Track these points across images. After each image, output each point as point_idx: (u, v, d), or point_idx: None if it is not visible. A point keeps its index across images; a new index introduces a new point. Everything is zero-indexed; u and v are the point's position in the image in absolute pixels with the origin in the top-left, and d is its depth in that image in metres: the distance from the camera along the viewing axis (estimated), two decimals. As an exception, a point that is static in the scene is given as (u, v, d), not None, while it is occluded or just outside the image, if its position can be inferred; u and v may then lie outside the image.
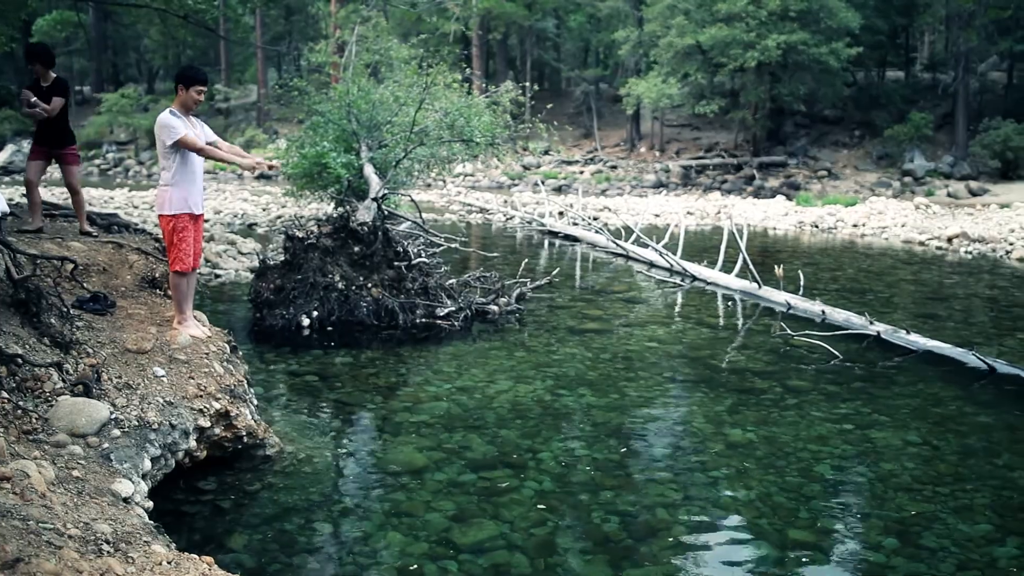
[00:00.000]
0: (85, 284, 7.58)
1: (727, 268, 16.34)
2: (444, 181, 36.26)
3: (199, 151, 7.22)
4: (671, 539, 5.85)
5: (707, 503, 6.47)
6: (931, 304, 14.79)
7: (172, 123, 7.11)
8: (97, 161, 50.70)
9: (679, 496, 6.56)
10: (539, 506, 6.31)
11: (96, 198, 28.34)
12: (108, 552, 4.06)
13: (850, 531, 6.08)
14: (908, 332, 11.52)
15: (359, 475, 6.88)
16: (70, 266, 7.63)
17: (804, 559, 5.63)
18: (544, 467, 7.06)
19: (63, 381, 5.63)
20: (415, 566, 5.40)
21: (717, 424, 8.22)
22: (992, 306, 14.64)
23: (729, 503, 6.48)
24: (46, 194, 25.49)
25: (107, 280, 8.01)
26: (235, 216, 25.31)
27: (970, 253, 21.43)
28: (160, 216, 7.30)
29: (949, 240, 22.84)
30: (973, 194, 36.59)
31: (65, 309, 6.48)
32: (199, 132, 7.37)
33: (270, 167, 7.71)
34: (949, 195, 36.82)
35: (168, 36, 55.68)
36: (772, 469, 7.12)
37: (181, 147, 7.13)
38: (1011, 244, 21.80)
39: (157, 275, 8.36)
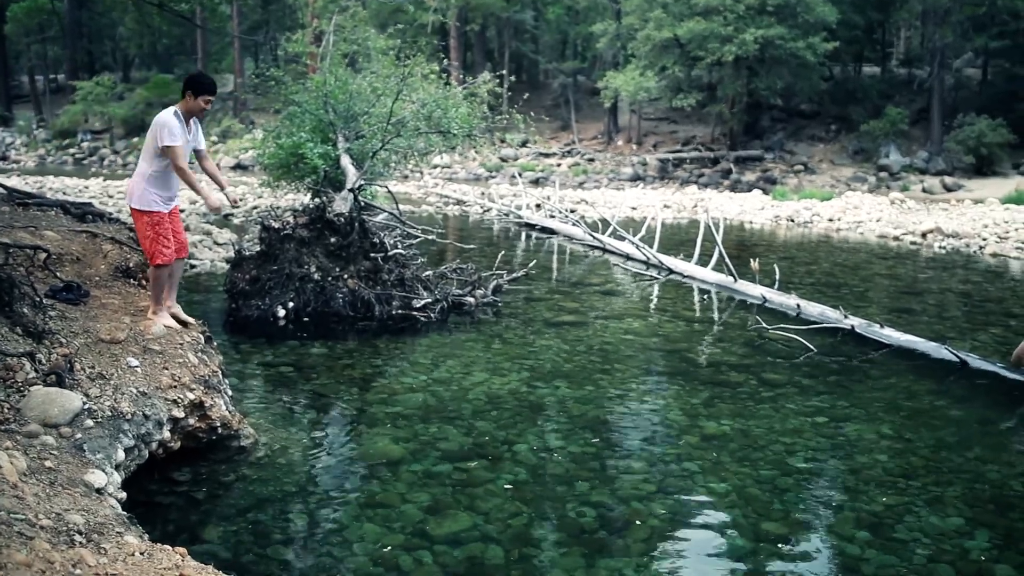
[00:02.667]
0: (58, 273, 7.53)
1: (703, 261, 16.39)
2: (421, 172, 36.23)
3: (178, 170, 7.10)
4: (646, 531, 5.87)
5: (682, 495, 6.49)
6: (905, 298, 14.89)
7: (172, 126, 6.98)
8: (72, 150, 50.26)
9: (654, 488, 6.58)
10: (514, 498, 6.32)
11: (71, 187, 28.14)
12: (80, 543, 4.03)
13: (823, 523, 6.12)
14: (882, 326, 11.59)
15: (334, 466, 6.87)
16: (43, 255, 7.58)
17: (778, 551, 5.66)
18: (519, 459, 7.06)
19: (35, 371, 5.58)
20: (390, 557, 5.39)
21: (692, 416, 8.25)
22: (965, 301, 14.75)
23: (703, 495, 6.51)
24: (19, 183, 25.31)
25: (81, 269, 7.96)
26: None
27: (944, 248, 21.58)
28: (133, 209, 7.20)
29: (923, 235, 22.99)
30: (948, 189, 36.84)
31: (38, 298, 6.44)
32: (190, 139, 7.28)
33: (234, 204, 7.65)
34: (924, 190, 37.06)
35: (143, 24, 55.29)
36: (746, 462, 7.16)
37: (167, 155, 7.03)
38: (984, 239, 21.97)
39: (131, 265, 8.31)
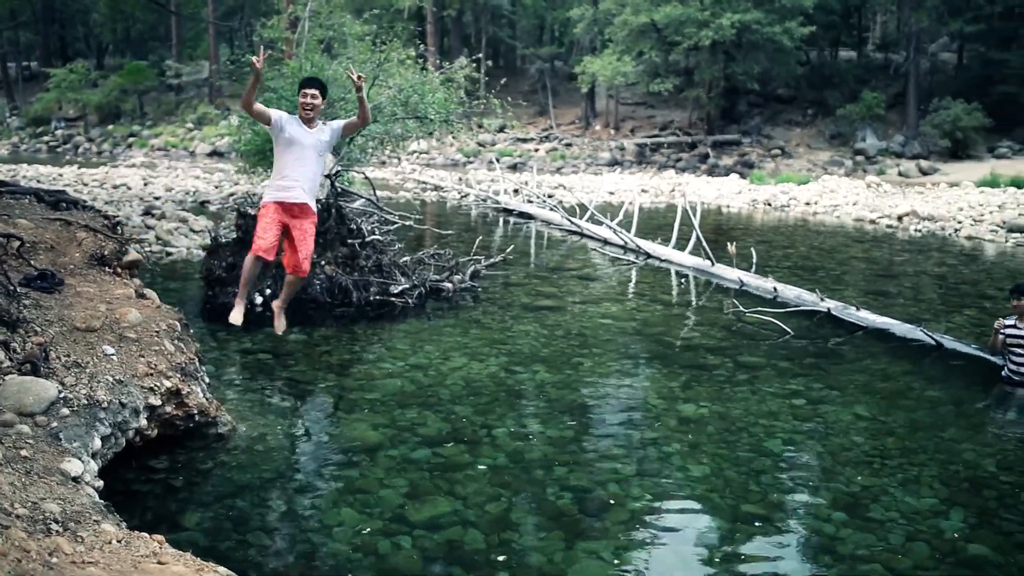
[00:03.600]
0: (32, 262, 7.46)
1: (680, 246, 16.43)
2: (398, 159, 36.08)
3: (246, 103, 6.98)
4: (624, 514, 5.89)
5: (660, 478, 6.52)
6: (881, 281, 14.98)
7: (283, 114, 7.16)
8: (46, 138, 49.86)
9: (632, 471, 6.60)
10: (493, 483, 6.32)
11: (45, 175, 27.91)
12: (57, 531, 4.02)
13: (800, 504, 6.16)
14: (858, 309, 11.66)
15: (313, 453, 6.86)
16: (16, 243, 7.51)
17: (755, 532, 5.69)
18: (498, 443, 7.07)
19: (10, 360, 5.55)
20: (369, 542, 5.40)
21: (670, 400, 8.27)
22: (940, 283, 14.86)
23: (682, 478, 6.54)
24: (-8, 171, 25.07)
25: (55, 258, 7.89)
26: (187, 193, 25.05)
27: (920, 231, 21.71)
28: None
29: (899, 218, 23.12)
30: (923, 173, 37.02)
31: (12, 287, 6.39)
32: (308, 131, 7.18)
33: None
34: (900, 174, 37.22)
35: (117, 10, 54.89)
36: (724, 444, 7.19)
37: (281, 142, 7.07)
38: (959, 222, 22.11)
39: (106, 252, 8.25)
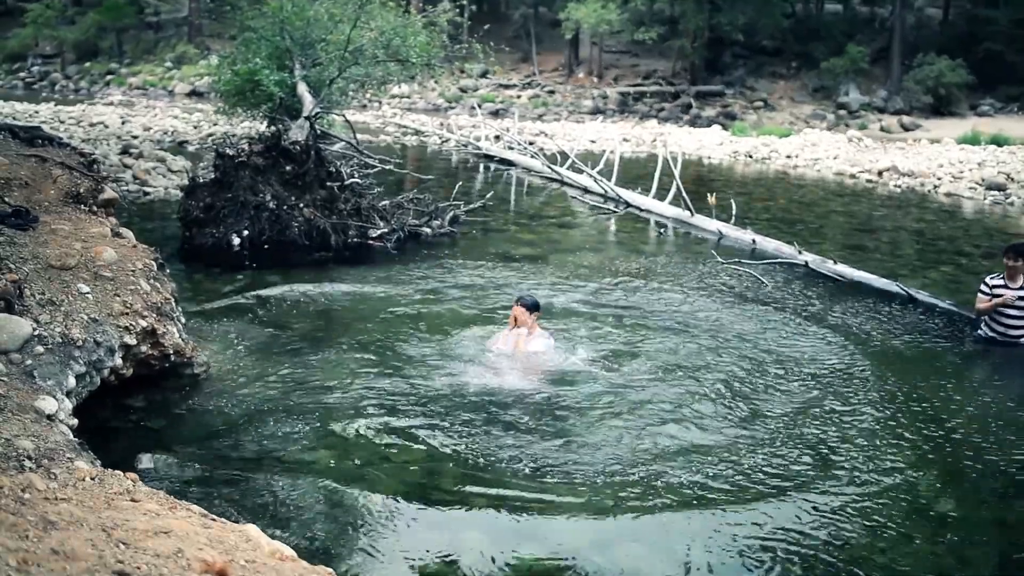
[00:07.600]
0: (6, 198, 7.38)
1: (661, 196, 16.41)
2: (379, 102, 35.82)
3: None
4: (587, 456, 5.93)
5: (634, 419, 6.55)
6: (859, 236, 15.05)
7: None
8: (22, 75, 49.15)
9: (597, 415, 6.63)
10: (467, 419, 6.35)
11: (20, 112, 27.55)
12: (30, 468, 4.01)
13: (767, 458, 6.18)
14: (835, 262, 11.71)
15: (287, 395, 6.84)
16: (-10, 179, 7.43)
17: (726, 486, 5.74)
18: (471, 387, 7.09)
19: (-17, 296, 5.50)
20: (345, 486, 5.42)
21: (637, 348, 8.28)
22: (918, 239, 14.94)
23: (650, 421, 6.55)
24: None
25: (29, 195, 7.79)
26: (165, 133, 24.79)
27: (899, 187, 21.76)
28: None
29: (880, 173, 23.16)
30: (905, 129, 37.05)
31: (-15, 223, 6.32)
32: None
33: None
34: (882, 129, 37.25)
35: (95, -56, 53.80)
36: (691, 396, 7.22)
37: None
38: (939, 179, 22.17)
39: (82, 190, 8.16)
